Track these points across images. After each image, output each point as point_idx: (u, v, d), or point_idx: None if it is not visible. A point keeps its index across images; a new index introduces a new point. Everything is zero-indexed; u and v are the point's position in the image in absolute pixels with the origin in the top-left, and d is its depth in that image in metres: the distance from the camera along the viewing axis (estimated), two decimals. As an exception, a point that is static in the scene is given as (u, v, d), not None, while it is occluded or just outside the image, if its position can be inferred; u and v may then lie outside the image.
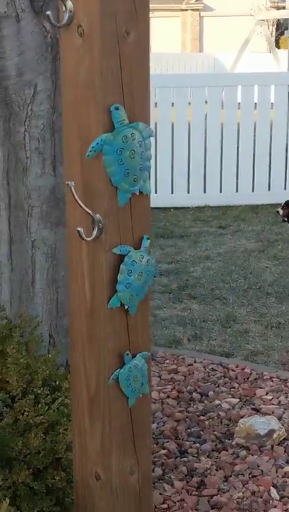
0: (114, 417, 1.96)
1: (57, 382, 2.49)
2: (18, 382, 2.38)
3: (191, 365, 4.08)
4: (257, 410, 3.57)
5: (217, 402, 3.66)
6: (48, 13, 1.74)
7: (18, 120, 3.03)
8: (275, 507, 2.88)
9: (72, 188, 1.78)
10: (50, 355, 2.64)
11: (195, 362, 4.12)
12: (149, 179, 1.91)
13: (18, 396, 2.37)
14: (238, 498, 2.89)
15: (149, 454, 2.15)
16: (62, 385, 2.48)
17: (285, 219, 6.85)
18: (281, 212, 6.76)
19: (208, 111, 7.54)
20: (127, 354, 1.94)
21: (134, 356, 1.95)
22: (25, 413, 2.32)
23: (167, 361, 4.09)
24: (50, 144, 3.06)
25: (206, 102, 7.53)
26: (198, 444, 3.29)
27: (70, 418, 2.36)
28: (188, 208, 7.64)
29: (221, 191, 7.70)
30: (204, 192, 7.68)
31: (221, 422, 3.48)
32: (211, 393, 3.76)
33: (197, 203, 7.61)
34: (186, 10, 27.61)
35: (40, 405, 2.35)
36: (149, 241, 1.94)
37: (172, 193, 7.58)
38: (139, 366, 1.96)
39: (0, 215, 3.21)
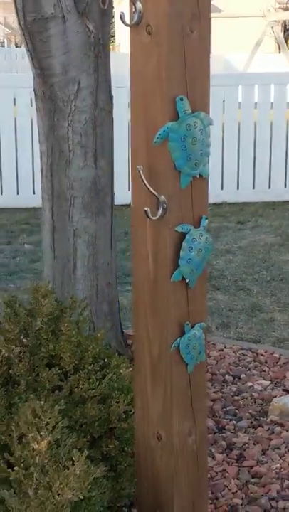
0: (175, 381, 2.06)
1: (106, 360, 2.57)
2: (71, 358, 2.47)
3: (221, 350, 4.16)
4: (288, 391, 3.64)
5: (249, 383, 3.73)
6: (121, 13, 1.87)
7: (62, 115, 3.11)
8: None
9: (141, 171, 1.89)
10: (99, 335, 2.72)
11: (225, 348, 4.20)
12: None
13: (70, 372, 2.47)
14: (276, 468, 2.97)
15: (205, 417, 2.23)
16: (111, 362, 2.56)
17: None
18: None
19: (226, 110, 7.53)
20: (187, 324, 2.03)
21: (193, 326, 2.03)
22: (80, 386, 2.40)
23: None
24: (92, 137, 3.14)
25: (223, 101, 7.52)
26: (234, 422, 3.37)
27: (121, 392, 2.44)
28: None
29: (238, 188, 7.72)
30: (222, 189, 7.67)
31: (255, 402, 3.55)
32: (242, 376, 3.82)
33: (214, 200, 7.64)
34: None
35: (91, 380, 2.43)
36: (207, 220, 2.03)
37: None
38: (197, 336, 2.05)
39: (43, 206, 3.28)
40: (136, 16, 1.84)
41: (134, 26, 1.86)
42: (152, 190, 1.91)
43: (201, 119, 1.90)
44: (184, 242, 1.95)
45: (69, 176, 3.15)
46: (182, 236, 1.96)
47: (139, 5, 1.83)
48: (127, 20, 1.88)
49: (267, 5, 23.72)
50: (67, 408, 2.40)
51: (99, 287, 3.24)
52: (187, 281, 2.02)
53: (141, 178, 1.91)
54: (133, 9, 1.84)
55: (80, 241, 3.20)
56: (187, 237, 1.96)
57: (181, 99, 1.86)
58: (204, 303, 2.16)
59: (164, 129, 1.86)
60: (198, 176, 1.96)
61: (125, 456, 2.37)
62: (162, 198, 1.89)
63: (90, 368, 2.49)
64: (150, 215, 1.91)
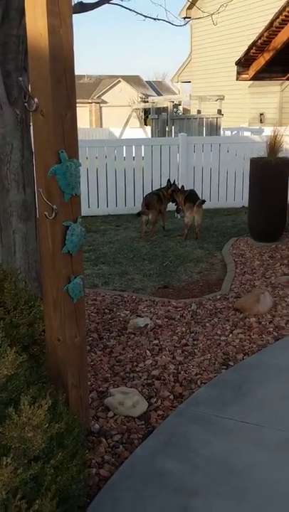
0: (66, 308, 2.35)
1: (32, 302, 2.77)
2: (11, 302, 2.70)
3: (103, 296, 4.67)
4: (138, 315, 4.21)
5: (118, 313, 4.26)
6: (26, 104, 2.21)
7: (3, 163, 3.44)
8: (148, 359, 3.50)
9: (41, 192, 2.22)
10: (27, 289, 3.01)
11: (105, 295, 4.71)
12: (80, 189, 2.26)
13: (11, 310, 2.68)
14: (130, 356, 3.50)
15: (84, 327, 2.53)
16: (35, 304, 2.75)
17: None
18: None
19: (107, 161, 8.43)
20: (72, 276, 2.33)
21: (75, 278, 2.35)
22: (16, 317, 2.63)
23: (90, 295, 4.62)
24: (21, 176, 3.48)
25: (105, 156, 8.47)
26: (108, 334, 3.85)
27: (41, 319, 2.66)
28: (98, 216, 8.28)
29: (116, 205, 8.57)
30: (107, 206, 8.56)
31: (120, 323, 4.09)
32: (114, 309, 4.34)
33: (103, 213, 8.47)
34: (92, 103, 33.53)
35: (23, 314, 2.68)
36: (81, 219, 2.32)
37: (89, 207, 8.30)
38: (78, 283, 2.35)
39: None
40: (34, 106, 2.17)
41: (34, 111, 2.18)
42: (48, 203, 2.20)
43: (74, 163, 2.22)
44: (67, 231, 2.24)
45: (9, 199, 3.45)
46: (67, 227, 2.24)
47: (36, 100, 2.17)
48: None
49: (133, 98, 28.97)
50: (8, 330, 2.61)
51: (30, 262, 3.60)
52: (70, 252, 2.28)
53: (41, 196, 2.21)
54: (32, 102, 2.17)
55: (17, 236, 3.53)
56: (70, 228, 2.25)
57: (62, 152, 2.17)
58: (81, 265, 2.39)
59: (54, 168, 2.17)
60: (74, 195, 2.25)
61: (43, 355, 2.60)
62: (54, 206, 2.20)
63: (22, 307, 2.71)
64: (48, 216, 2.21)
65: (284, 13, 5.31)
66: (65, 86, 2.18)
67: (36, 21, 2.11)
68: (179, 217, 7.95)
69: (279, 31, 5.57)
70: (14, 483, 1.80)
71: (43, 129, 2.19)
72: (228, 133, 14.45)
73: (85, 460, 2.23)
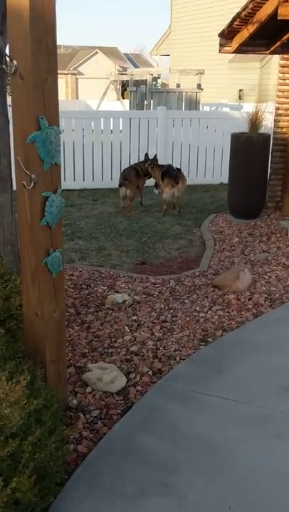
0: (45, 282, 2.32)
1: (8, 276, 2.76)
2: None
3: (80, 271, 4.62)
4: (116, 291, 4.18)
5: (96, 289, 4.21)
6: (3, 66, 2.10)
7: None
8: (127, 335, 3.49)
9: (20, 160, 2.15)
10: (3, 262, 2.95)
11: (82, 270, 4.66)
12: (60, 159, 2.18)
13: None
14: (108, 332, 3.47)
15: (63, 302, 2.49)
16: (11, 278, 2.74)
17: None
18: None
19: (84, 133, 8.33)
20: (51, 250, 2.29)
21: (54, 251, 2.31)
22: None
23: (67, 270, 4.54)
24: None
25: (82, 129, 8.32)
26: (86, 309, 3.81)
27: (18, 294, 2.64)
28: (75, 189, 8.14)
29: (93, 180, 8.48)
30: (83, 180, 8.44)
31: (98, 298, 4.04)
32: (92, 285, 4.30)
33: (79, 187, 8.34)
34: (67, 74, 32.26)
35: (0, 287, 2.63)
36: (60, 190, 2.25)
37: (64, 180, 8.07)
38: (57, 256, 2.31)
39: None
40: (13, 68, 2.07)
41: (12, 74, 2.09)
42: (27, 172, 2.13)
43: (55, 130, 2.15)
44: (47, 202, 2.18)
45: None
46: (46, 198, 2.18)
47: (15, 62, 2.07)
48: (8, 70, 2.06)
49: (110, 71, 28.25)
50: None
51: (5, 236, 3.47)
52: (50, 225, 2.23)
53: (20, 164, 2.14)
54: (11, 64, 2.08)
55: None
56: (49, 199, 2.19)
57: (42, 118, 2.09)
58: (60, 238, 2.34)
59: (33, 135, 2.09)
60: (54, 164, 2.18)
61: (20, 330, 2.57)
62: (33, 176, 2.13)
63: None
64: (26, 186, 2.15)
65: (269, -15, 5.20)
66: (46, 48, 2.09)
67: (16, -23, 1.94)
68: (157, 192, 7.86)
69: (264, 3, 5.47)
70: (-9, 461, 1.75)
71: (21, 93, 2.10)
72: (206, 108, 14.34)
73: (63, 437, 2.19)
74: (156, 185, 7.67)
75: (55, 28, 2.11)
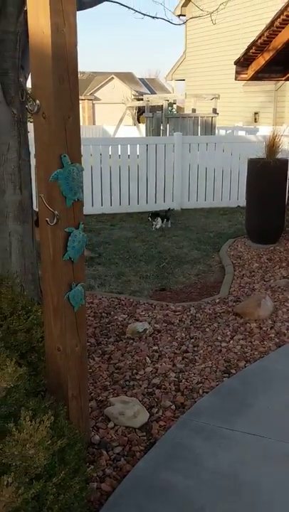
0: (67, 316, 2.29)
1: (30, 307, 2.76)
2: (8, 307, 2.70)
3: (100, 298, 4.59)
4: (137, 320, 4.12)
5: (116, 317, 4.17)
6: (27, 106, 2.14)
7: None
8: (148, 366, 3.43)
9: (43, 197, 2.17)
10: (25, 293, 2.98)
11: (102, 297, 4.62)
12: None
13: (8, 315, 2.67)
14: (130, 363, 3.42)
15: (85, 336, 2.47)
16: (33, 309, 2.75)
17: (149, 219, 7.53)
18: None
19: (102, 158, 8.40)
20: (73, 284, 2.28)
21: (76, 285, 2.29)
22: (14, 323, 2.63)
23: (87, 298, 4.29)
24: (18, 176, 3.39)
25: (100, 154, 8.39)
26: (106, 339, 3.76)
27: (39, 326, 2.64)
28: (93, 214, 8.14)
29: (111, 204, 8.51)
30: (102, 205, 8.47)
31: (118, 327, 3.99)
32: (112, 312, 4.25)
33: (98, 212, 8.37)
34: (84, 100, 33.24)
35: (20, 320, 2.66)
36: (83, 225, 2.28)
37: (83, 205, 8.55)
38: (79, 290, 2.31)
39: None
40: (36, 108, 2.10)
41: (35, 114, 2.12)
42: (50, 208, 2.15)
43: (77, 167, 2.16)
44: (69, 237, 2.19)
45: (5, 200, 3.38)
46: (69, 234, 2.19)
47: (37, 101, 2.10)
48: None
49: (126, 96, 28.46)
50: (5, 337, 2.59)
51: (26, 265, 3.51)
52: (72, 259, 2.22)
53: (43, 201, 2.15)
54: (34, 104, 2.12)
55: (13, 238, 3.45)
56: (71, 234, 2.20)
57: (64, 156, 2.10)
58: (83, 272, 2.34)
59: (56, 172, 2.10)
60: (76, 200, 2.20)
61: (41, 362, 2.57)
62: (56, 212, 2.15)
63: (19, 312, 2.68)
64: (49, 222, 2.16)
65: (285, 13, 5.25)
66: (68, 87, 2.10)
67: (39, 19, 2.03)
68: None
69: (280, 31, 5.50)
70: (16, 504, 1.73)
71: (44, 132, 2.12)
72: (222, 132, 14.41)
73: (87, 476, 2.14)
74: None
75: (76, 67, 2.13)
